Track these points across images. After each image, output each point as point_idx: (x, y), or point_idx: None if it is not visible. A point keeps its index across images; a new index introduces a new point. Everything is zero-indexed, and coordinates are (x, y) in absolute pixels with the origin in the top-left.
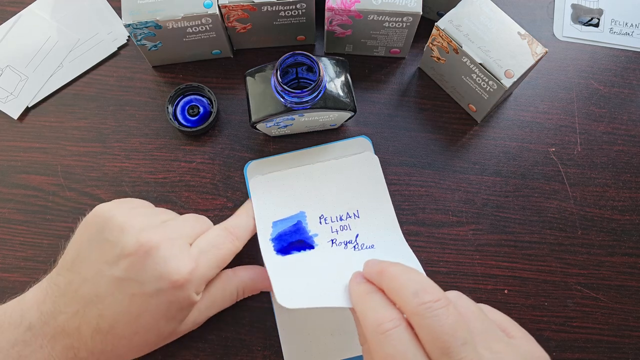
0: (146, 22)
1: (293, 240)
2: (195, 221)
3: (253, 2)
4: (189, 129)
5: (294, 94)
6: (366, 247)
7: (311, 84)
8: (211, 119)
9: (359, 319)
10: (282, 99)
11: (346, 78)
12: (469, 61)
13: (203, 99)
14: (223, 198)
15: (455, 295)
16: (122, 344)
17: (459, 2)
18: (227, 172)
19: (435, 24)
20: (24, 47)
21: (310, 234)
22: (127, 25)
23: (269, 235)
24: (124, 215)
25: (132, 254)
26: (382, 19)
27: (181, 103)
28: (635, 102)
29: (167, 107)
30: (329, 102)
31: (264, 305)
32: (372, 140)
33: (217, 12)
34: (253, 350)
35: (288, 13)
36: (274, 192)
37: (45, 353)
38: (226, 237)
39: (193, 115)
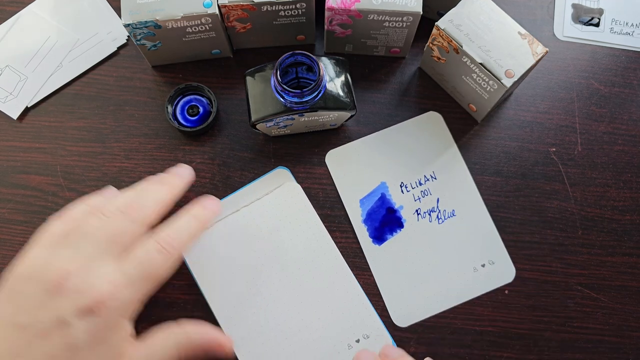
0: (146, 21)
1: (382, 215)
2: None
3: (253, 1)
4: (188, 129)
5: (293, 94)
6: (449, 215)
7: (311, 84)
8: (211, 119)
9: None
10: (282, 99)
11: (346, 78)
12: (469, 61)
13: (203, 99)
14: None
15: None
16: None
17: (459, 1)
18: (227, 172)
19: (436, 23)
20: (24, 47)
21: (396, 206)
22: (126, 25)
23: (360, 218)
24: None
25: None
26: (382, 18)
27: (181, 103)
28: (636, 102)
29: (167, 107)
30: (329, 102)
31: None
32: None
33: (217, 12)
34: None
35: (288, 13)
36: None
37: None
38: (158, 253)
39: (193, 115)
